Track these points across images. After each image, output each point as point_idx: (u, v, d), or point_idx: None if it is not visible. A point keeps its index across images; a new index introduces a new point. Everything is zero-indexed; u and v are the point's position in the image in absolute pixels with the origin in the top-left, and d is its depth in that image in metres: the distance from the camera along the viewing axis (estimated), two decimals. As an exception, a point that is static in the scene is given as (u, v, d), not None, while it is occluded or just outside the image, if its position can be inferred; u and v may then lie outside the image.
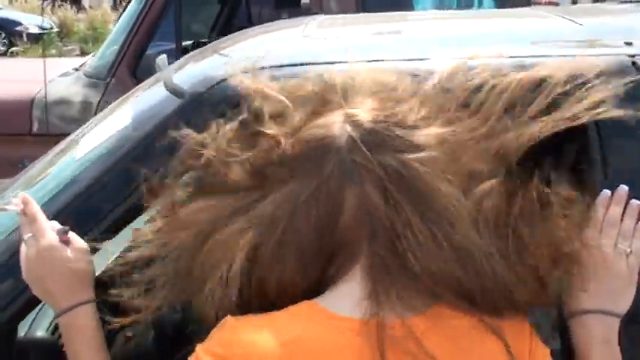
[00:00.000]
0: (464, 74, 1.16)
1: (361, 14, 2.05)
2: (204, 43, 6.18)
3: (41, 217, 1.21)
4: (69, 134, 1.91)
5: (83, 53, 12.54)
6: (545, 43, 1.38)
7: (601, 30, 1.58)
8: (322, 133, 1.03)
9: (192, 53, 1.80)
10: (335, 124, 1.04)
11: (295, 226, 1.01)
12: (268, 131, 1.10)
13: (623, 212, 1.15)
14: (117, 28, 5.06)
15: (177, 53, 4.67)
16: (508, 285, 1.02)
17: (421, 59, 1.30)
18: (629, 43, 1.34)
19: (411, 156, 1.01)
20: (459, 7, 4.76)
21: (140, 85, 1.90)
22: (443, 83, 1.15)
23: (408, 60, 1.32)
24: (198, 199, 1.13)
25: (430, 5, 4.68)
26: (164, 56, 4.61)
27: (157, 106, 1.40)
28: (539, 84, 1.16)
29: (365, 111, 1.05)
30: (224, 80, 1.28)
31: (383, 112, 1.05)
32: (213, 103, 1.28)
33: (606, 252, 1.13)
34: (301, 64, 1.33)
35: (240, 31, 1.89)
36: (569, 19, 1.61)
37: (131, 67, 4.58)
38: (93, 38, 14.76)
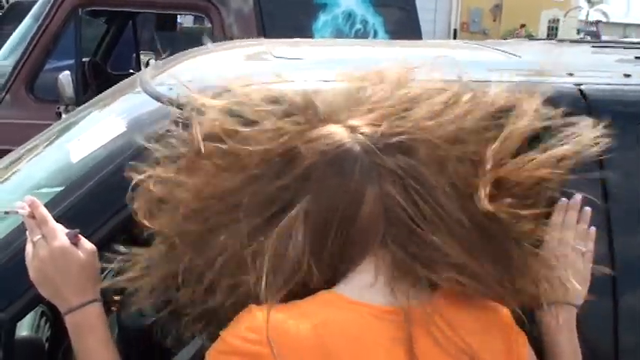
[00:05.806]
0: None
1: (304, 39, 2.17)
2: (98, 61, 6.08)
3: (51, 219, 1.25)
4: None
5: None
6: (500, 70, 1.56)
7: (537, 61, 1.79)
8: (334, 143, 1.13)
9: (155, 65, 1.83)
10: (339, 134, 1.14)
11: (322, 222, 1.11)
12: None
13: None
14: (9, 43, 4.92)
15: (76, 70, 4.61)
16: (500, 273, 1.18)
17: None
18: (571, 74, 1.55)
19: (409, 158, 1.14)
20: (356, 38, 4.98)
21: (109, 92, 1.92)
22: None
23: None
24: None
25: (329, 35, 4.87)
26: (67, 72, 4.52)
27: (151, 115, 1.45)
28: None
29: (364, 122, 1.16)
30: (224, 92, 1.36)
31: (378, 121, 1.17)
32: None
33: (566, 251, 1.31)
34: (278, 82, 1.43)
35: (193, 50, 1.96)
36: (506, 52, 1.81)
37: (28, 82, 4.47)
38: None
